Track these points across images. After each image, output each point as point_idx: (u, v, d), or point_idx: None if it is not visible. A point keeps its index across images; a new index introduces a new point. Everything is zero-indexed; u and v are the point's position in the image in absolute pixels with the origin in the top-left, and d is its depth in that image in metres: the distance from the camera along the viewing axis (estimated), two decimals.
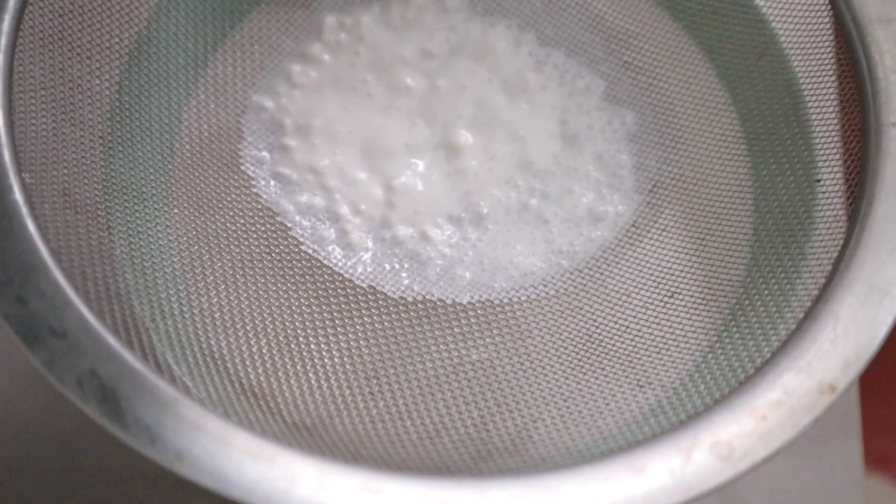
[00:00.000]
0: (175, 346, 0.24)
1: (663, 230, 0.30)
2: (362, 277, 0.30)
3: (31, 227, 0.22)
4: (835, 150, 0.28)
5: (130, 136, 0.28)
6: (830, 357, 0.23)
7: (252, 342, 0.26)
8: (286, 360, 0.26)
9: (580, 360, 0.27)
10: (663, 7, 0.33)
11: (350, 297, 0.29)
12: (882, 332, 0.23)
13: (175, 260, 0.27)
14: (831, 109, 0.29)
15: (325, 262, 0.30)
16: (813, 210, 0.27)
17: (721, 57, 0.32)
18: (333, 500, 0.20)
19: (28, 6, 0.25)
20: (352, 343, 0.28)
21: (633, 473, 0.21)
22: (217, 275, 0.28)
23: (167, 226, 0.28)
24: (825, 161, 0.28)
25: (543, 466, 0.23)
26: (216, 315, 0.26)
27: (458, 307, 0.29)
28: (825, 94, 0.29)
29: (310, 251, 0.30)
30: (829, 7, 0.28)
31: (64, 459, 0.33)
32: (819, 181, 0.28)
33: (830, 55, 0.30)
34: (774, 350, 0.24)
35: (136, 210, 0.28)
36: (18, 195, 0.23)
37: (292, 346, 0.27)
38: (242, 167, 0.31)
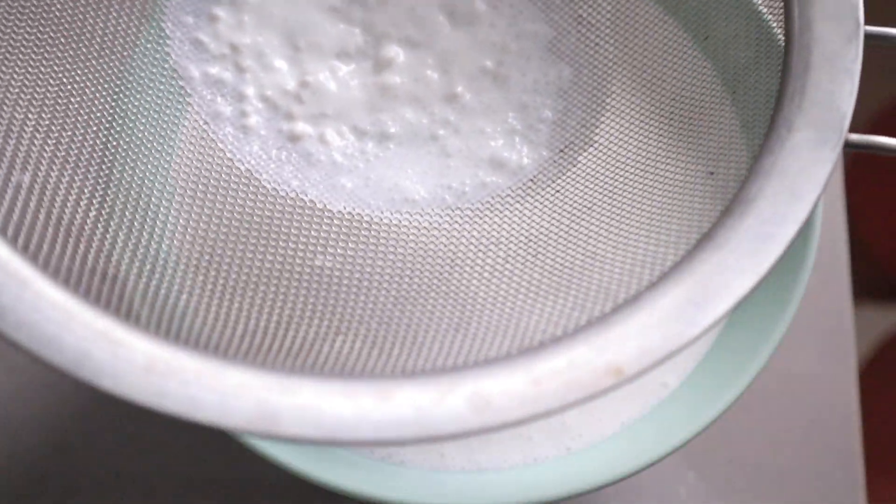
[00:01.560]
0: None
1: (557, 192, 0.29)
2: (243, 160, 0.29)
3: None
4: (741, 153, 0.26)
5: None
6: (630, 342, 0.22)
7: (97, 185, 0.26)
8: (127, 211, 0.26)
9: (416, 293, 0.26)
10: None
11: (222, 176, 0.29)
12: (694, 332, 0.22)
13: (49, 90, 0.27)
14: (762, 106, 0.27)
15: (211, 135, 0.29)
16: (695, 199, 0.26)
17: (680, 24, 0.30)
18: (65, 336, 0.20)
19: None
20: (204, 217, 0.27)
21: (378, 398, 0.21)
22: (94, 115, 0.28)
23: (60, 58, 0.28)
24: (726, 156, 0.26)
25: (307, 373, 0.22)
26: (69, 155, 0.26)
27: (325, 213, 0.28)
28: (760, 88, 0.27)
29: (200, 122, 0.30)
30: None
31: (64, 459, 0.34)
32: (712, 174, 0.26)
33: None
34: (581, 324, 0.22)
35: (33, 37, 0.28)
36: None
37: (140, 202, 0.27)
38: (162, 23, 0.30)
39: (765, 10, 0.27)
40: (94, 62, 0.29)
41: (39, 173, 0.25)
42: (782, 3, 0.26)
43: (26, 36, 0.27)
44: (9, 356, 0.35)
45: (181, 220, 0.27)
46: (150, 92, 0.29)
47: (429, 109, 0.31)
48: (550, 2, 0.32)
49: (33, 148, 0.25)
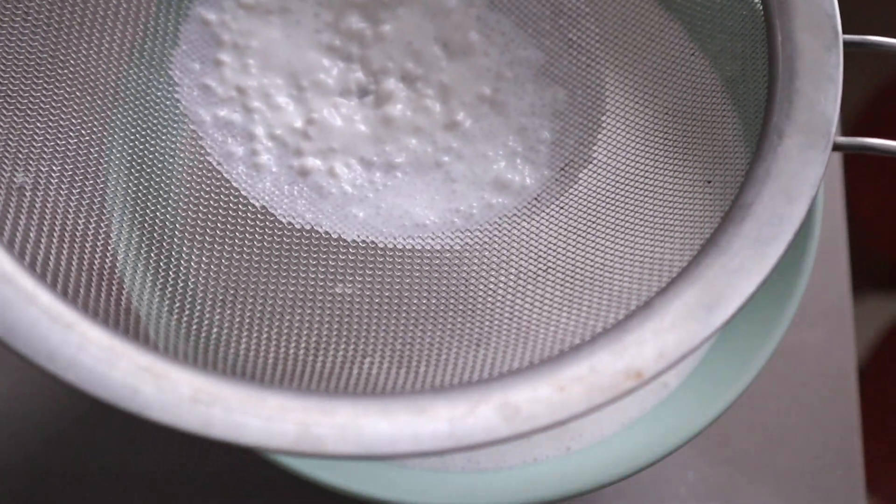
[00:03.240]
0: (24, 212, 0.25)
1: (561, 209, 0.30)
2: (257, 197, 0.30)
3: None
4: (739, 157, 0.28)
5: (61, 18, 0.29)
6: (647, 345, 0.23)
7: (122, 227, 0.27)
8: (152, 250, 0.27)
9: (434, 313, 0.27)
10: None
11: (240, 214, 0.30)
12: (706, 333, 0.23)
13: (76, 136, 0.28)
14: (753, 115, 0.29)
15: (225, 175, 0.30)
16: (695, 206, 0.27)
17: (668, 44, 0.32)
18: (112, 373, 0.21)
19: None
20: (226, 253, 0.28)
21: (413, 413, 0.22)
22: (114, 164, 0.29)
23: (78, 110, 0.29)
24: (721, 164, 0.28)
25: (342, 395, 0.23)
26: (94, 195, 0.27)
27: (341, 242, 0.30)
28: (750, 98, 0.29)
29: (214, 163, 0.31)
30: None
31: (64, 459, 0.34)
32: (710, 182, 0.27)
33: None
34: (598, 332, 0.24)
35: (51, 91, 0.29)
36: None
37: (164, 241, 0.28)
38: (170, 71, 0.31)
39: (748, 25, 0.28)
40: (109, 112, 0.30)
41: (67, 224, 0.26)
42: (763, 18, 0.28)
43: (44, 91, 0.28)
44: (8, 356, 0.35)
45: (204, 259, 0.28)
46: (164, 137, 0.30)
47: (431, 138, 0.32)
48: (540, 28, 0.33)
49: (59, 200, 0.26)
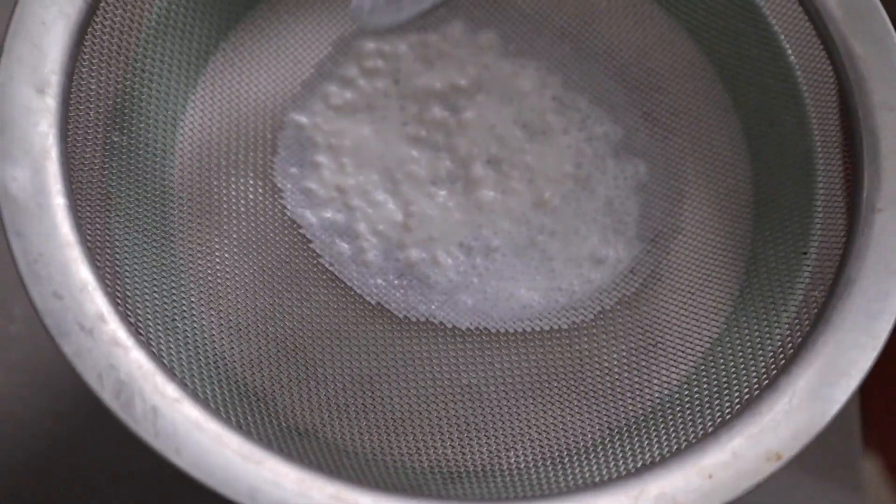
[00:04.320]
0: (189, 347, 0.27)
1: (658, 279, 0.32)
2: (372, 294, 0.32)
3: (72, 230, 0.25)
4: (830, 227, 0.30)
5: (173, 144, 0.31)
6: (781, 427, 0.25)
7: (261, 347, 0.29)
8: (290, 366, 0.29)
9: (560, 396, 0.29)
10: (686, 60, 0.35)
11: (358, 313, 0.31)
12: (834, 409, 0.25)
13: (199, 264, 0.30)
14: (838, 186, 0.30)
15: (339, 275, 0.32)
16: (796, 283, 0.29)
17: (742, 115, 0.34)
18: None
19: (91, 23, 0.28)
20: (353, 356, 0.30)
21: None
22: (234, 280, 0.30)
23: (196, 230, 0.31)
24: (819, 236, 0.29)
25: (504, 495, 0.25)
26: (230, 319, 0.29)
27: (456, 332, 0.31)
28: (834, 169, 0.31)
29: (326, 264, 0.32)
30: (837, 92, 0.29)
31: (65, 459, 0.34)
32: (805, 254, 0.29)
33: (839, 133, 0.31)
34: (732, 414, 0.25)
35: (171, 214, 0.30)
36: (64, 199, 0.25)
37: (298, 353, 0.29)
38: (274, 179, 0.33)
39: (818, 101, 0.30)
40: (224, 227, 0.31)
41: (220, 356, 0.28)
42: (836, 94, 0.30)
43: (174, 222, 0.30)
44: (9, 356, 0.35)
45: (337, 365, 0.30)
46: (278, 246, 0.32)
47: (523, 218, 0.34)
48: (615, 103, 0.35)
49: (208, 329, 0.28)
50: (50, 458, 0.34)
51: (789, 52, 0.32)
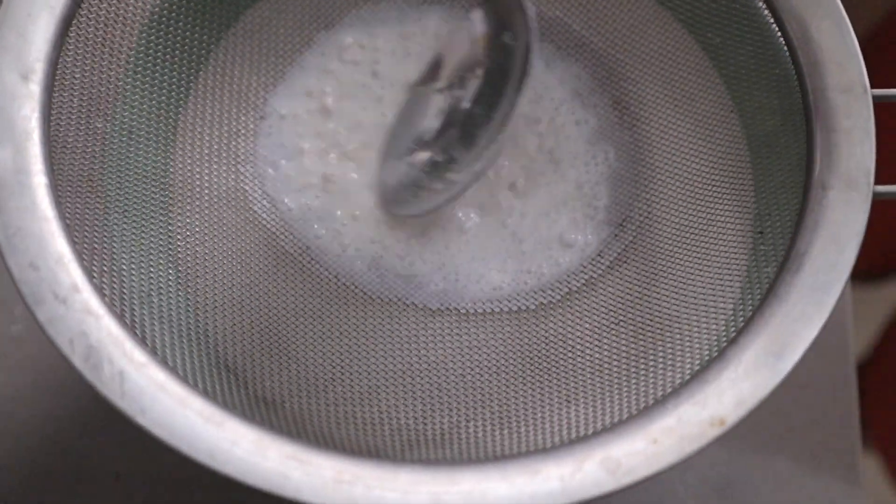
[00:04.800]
0: (164, 320, 0.28)
1: (623, 262, 0.33)
2: (346, 276, 0.33)
3: (51, 206, 0.26)
4: (784, 207, 0.30)
5: (156, 130, 0.32)
6: (726, 394, 0.25)
7: (234, 323, 0.30)
8: (262, 341, 0.30)
9: (523, 372, 0.30)
10: (663, 49, 0.35)
11: (332, 292, 0.33)
12: (776, 380, 0.26)
13: (178, 245, 0.31)
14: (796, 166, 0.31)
15: (314, 258, 0.33)
16: (750, 260, 0.30)
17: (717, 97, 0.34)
18: (264, 463, 0.24)
19: (76, 16, 0.29)
20: (325, 332, 0.31)
21: (529, 475, 0.24)
22: (212, 260, 0.32)
23: (176, 213, 0.32)
24: (775, 215, 0.30)
25: (459, 460, 0.26)
26: (207, 297, 0.30)
27: (426, 311, 0.32)
28: (794, 149, 0.31)
29: (303, 247, 0.33)
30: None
31: (64, 459, 0.35)
32: (761, 234, 0.30)
33: None
34: (680, 383, 0.26)
35: (152, 198, 0.32)
36: (45, 178, 0.27)
37: (271, 330, 0.31)
38: (255, 165, 0.34)
39: (781, 84, 0.31)
40: (205, 210, 0.33)
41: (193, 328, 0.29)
42: (796, 78, 0.30)
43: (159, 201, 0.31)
44: (9, 356, 0.36)
45: (310, 342, 0.31)
46: (256, 229, 0.33)
47: (495, 201, 0.35)
48: (588, 90, 0.36)
49: (180, 305, 0.30)
50: (50, 458, 0.35)
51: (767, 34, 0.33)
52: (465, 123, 0.31)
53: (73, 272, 0.26)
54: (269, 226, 0.33)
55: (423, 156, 0.32)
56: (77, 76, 0.30)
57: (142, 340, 0.25)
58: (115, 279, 0.28)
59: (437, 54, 0.33)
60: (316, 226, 0.34)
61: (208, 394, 0.26)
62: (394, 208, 0.33)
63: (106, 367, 0.25)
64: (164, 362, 0.25)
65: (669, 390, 0.27)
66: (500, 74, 0.30)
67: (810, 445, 0.38)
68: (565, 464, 0.25)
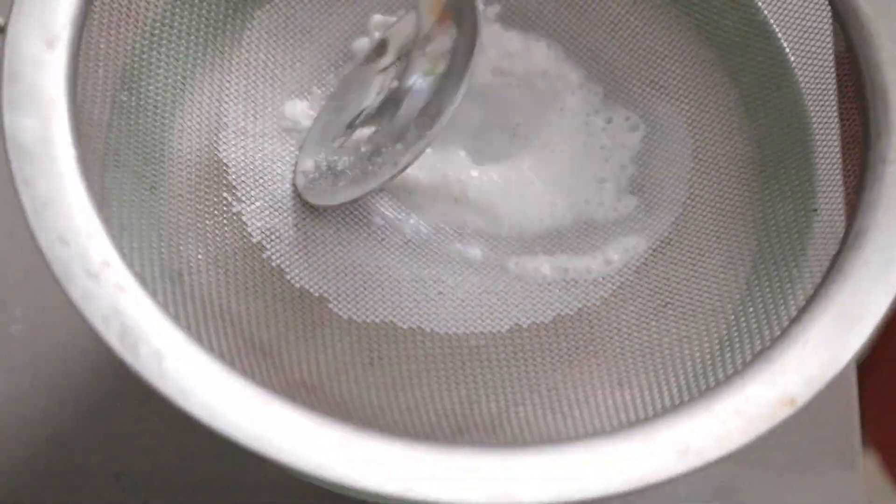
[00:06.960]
0: (196, 300, 0.27)
1: (669, 243, 0.32)
2: (386, 254, 0.32)
3: (79, 178, 0.25)
4: (836, 183, 0.29)
5: (182, 108, 0.31)
6: (794, 373, 0.24)
7: (267, 305, 0.29)
8: (297, 324, 0.29)
9: (570, 355, 0.29)
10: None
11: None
12: (847, 356, 0.24)
13: (206, 224, 0.30)
14: (835, 143, 0.30)
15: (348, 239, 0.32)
16: (807, 240, 0.29)
17: (741, 82, 0.34)
18: (318, 449, 0.22)
19: None
20: (361, 317, 0.30)
21: (593, 459, 0.23)
22: (241, 241, 0.30)
23: (203, 192, 0.31)
24: (826, 192, 0.29)
25: (523, 447, 0.24)
26: (238, 277, 0.29)
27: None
28: (830, 128, 0.31)
29: (333, 230, 0.32)
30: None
31: (64, 459, 0.35)
32: (815, 210, 0.29)
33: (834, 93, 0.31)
34: (747, 361, 0.25)
35: (178, 175, 0.30)
36: (73, 149, 0.25)
37: (305, 312, 0.29)
38: (281, 146, 0.33)
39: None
40: (233, 190, 0.32)
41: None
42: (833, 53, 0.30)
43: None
44: (9, 356, 0.36)
45: (342, 324, 0.29)
46: (284, 211, 0.32)
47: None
48: (615, 71, 0.35)
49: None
50: (50, 457, 0.35)
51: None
52: (398, 115, 0.30)
53: (103, 247, 0.24)
54: (297, 207, 0.32)
55: (351, 142, 0.31)
56: (102, 46, 0.28)
57: (175, 319, 0.24)
58: (144, 256, 0.26)
59: (382, 37, 0.32)
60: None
61: (248, 377, 0.24)
62: (311, 197, 0.32)
63: (142, 347, 0.23)
64: (200, 342, 0.24)
65: (731, 371, 0.26)
66: (447, 69, 0.28)
67: (810, 445, 0.37)
68: (633, 445, 0.23)
